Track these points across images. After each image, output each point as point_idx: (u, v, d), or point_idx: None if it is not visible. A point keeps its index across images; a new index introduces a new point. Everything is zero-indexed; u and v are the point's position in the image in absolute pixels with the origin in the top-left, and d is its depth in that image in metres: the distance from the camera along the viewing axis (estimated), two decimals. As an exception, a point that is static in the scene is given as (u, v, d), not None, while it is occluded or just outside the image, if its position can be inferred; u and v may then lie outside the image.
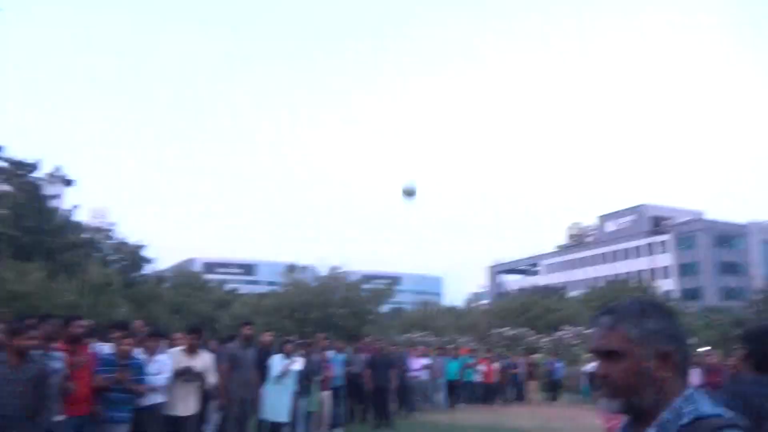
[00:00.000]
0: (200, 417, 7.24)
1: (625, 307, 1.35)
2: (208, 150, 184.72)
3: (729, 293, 60.90)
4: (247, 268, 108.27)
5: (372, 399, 11.96)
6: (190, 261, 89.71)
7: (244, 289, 61.65)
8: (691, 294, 60.37)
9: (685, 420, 1.20)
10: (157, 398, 6.26)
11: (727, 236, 67.66)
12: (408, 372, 13.93)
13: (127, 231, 36.76)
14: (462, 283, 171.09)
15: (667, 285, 62.35)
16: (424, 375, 14.83)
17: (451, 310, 46.56)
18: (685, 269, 66.94)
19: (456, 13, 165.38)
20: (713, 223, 67.94)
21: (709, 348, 19.64)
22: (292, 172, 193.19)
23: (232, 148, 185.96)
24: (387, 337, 26.05)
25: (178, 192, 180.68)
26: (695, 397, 1.25)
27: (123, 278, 33.02)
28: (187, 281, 39.64)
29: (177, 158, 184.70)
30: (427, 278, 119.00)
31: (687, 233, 67.91)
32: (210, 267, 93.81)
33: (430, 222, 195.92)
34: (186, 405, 6.51)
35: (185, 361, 6.65)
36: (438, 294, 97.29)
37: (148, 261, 41.69)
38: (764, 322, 2.80)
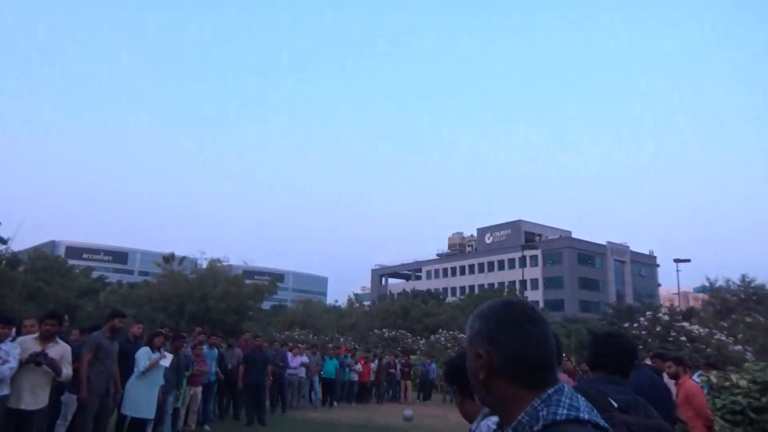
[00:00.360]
0: (52, 411, 6.55)
1: (476, 309, 1.36)
2: (77, 125, 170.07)
3: (586, 306, 67.03)
4: (119, 256, 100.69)
5: (246, 396, 11.60)
6: (51, 244, 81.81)
7: (114, 277, 57.35)
8: (554, 305, 65.62)
9: (539, 425, 1.15)
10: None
11: (588, 255, 74.39)
12: (286, 369, 13.70)
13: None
14: (346, 284, 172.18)
15: (534, 296, 67.31)
16: (301, 372, 14.68)
17: (334, 310, 46.63)
18: (551, 282, 72.64)
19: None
20: (578, 242, 74.46)
21: (563, 354, 21.53)
22: (174, 161, 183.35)
23: (108, 124, 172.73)
24: (267, 334, 25.52)
25: (42, 168, 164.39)
26: (555, 399, 1.18)
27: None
28: (47, 265, 35.95)
29: (41, 130, 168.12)
30: (312, 277, 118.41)
31: (555, 250, 73.74)
32: (75, 252, 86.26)
33: (319, 223, 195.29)
34: (34, 398, 5.84)
35: (37, 349, 5.96)
36: (322, 293, 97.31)
37: None
38: (600, 331, 3.21)
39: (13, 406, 5.68)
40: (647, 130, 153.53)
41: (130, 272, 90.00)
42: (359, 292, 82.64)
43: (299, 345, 16.89)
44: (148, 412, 7.81)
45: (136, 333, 8.52)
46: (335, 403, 16.00)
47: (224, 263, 35.16)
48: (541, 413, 1.16)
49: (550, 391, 1.19)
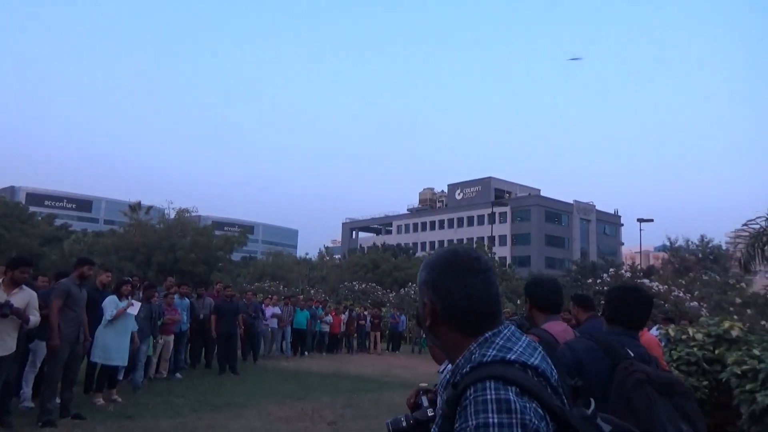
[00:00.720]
0: (21, 358, 6.45)
1: (426, 258, 1.42)
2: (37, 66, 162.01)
3: (552, 263, 68.80)
4: (83, 204, 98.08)
5: (218, 345, 11.67)
6: (10, 190, 79.14)
7: (78, 226, 56.10)
8: (521, 261, 67.13)
9: (468, 367, 1.19)
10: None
11: (555, 213, 75.82)
12: (259, 319, 13.83)
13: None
14: (317, 237, 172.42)
15: (502, 252, 68.66)
16: (273, 323, 14.84)
17: (304, 262, 46.77)
18: (519, 239, 74.06)
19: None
20: (546, 200, 75.67)
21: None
22: (142, 109, 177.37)
23: (71, 65, 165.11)
24: (237, 285, 25.51)
25: None
26: (489, 342, 1.22)
27: None
28: (7, 212, 34.85)
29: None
30: (282, 230, 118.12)
31: (523, 207, 74.86)
32: (36, 199, 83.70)
33: (290, 176, 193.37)
34: (1, 344, 5.74)
35: (2, 297, 5.83)
36: (293, 246, 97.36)
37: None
38: (618, 285, 3.14)
39: (-20, 352, 5.58)
40: (616, 90, 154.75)
41: (95, 221, 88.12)
42: (330, 245, 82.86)
43: (271, 296, 16.98)
44: (120, 360, 7.80)
45: (104, 281, 8.38)
46: (306, 353, 16.26)
47: (193, 214, 34.70)
48: (473, 356, 1.21)
49: (487, 335, 1.24)
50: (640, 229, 38.16)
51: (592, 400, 1.26)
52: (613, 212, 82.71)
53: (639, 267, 32.91)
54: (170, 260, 29.24)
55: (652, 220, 38.13)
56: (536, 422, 1.07)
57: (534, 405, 1.09)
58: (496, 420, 1.05)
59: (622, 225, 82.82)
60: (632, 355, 2.14)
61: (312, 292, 29.65)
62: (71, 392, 6.92)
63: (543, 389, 1.13)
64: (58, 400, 6.75)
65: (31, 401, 7.17)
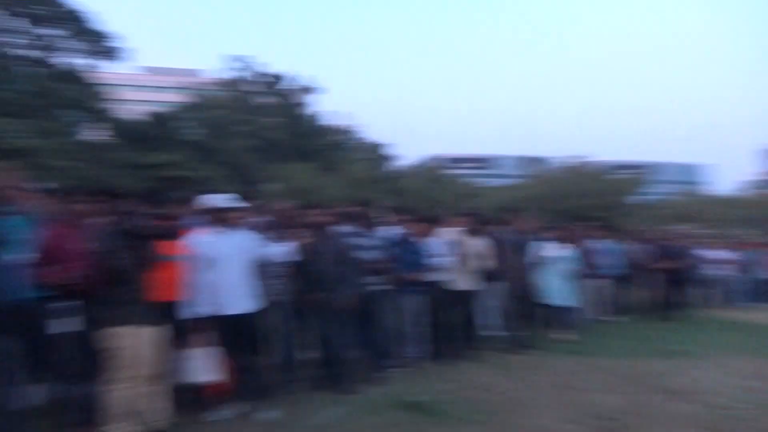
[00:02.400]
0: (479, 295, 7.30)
1: None
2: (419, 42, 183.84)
3: None
4: (481, 162, 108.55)
5: (665, 291, 11.00)
6: (433, 157, 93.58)
7: (480, 183, 62.18)
8: None
9: None
10: (439, 276, 6.54)
11: None
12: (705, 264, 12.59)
13: (374, 132, 40.10)
14: (727, 172, 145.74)
15: None
16: (726, 270, 13.23)
17: (723, 200, 40.43)
18: None
19: None
20: None
21: None
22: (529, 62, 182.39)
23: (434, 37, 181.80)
24: (650, 228, 23.93)
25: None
26: None
27: (375, 174, 36.22)
28: (430, 175, 41.25)
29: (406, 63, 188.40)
30: (686, 167, 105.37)
31: None
32: (447, 162, 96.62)
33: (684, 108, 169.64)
34: (467, 281, 6.80)
35: (468, 242, 6.90)
36: (697, 183, 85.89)
37: (392, 158, 44.76)
38: None
39: (452, 287, 6.68)
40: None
41: (493, 176, 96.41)
42: (751, 177, 69.13)
43: (717, 239, 15.26)
44: (561, 300, 8.19)
45: (524, 227, 8.63)
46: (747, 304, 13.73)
47: (590, 159, 35.11)
48: None
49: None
50: None
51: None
52: None
53: None
54: (573, 208, 29.65)
55: None
56: None
57: None
58: None
59: None
60: None
61: (745, 233, 25.24)
62: (529, 328, 7.72)
63: None
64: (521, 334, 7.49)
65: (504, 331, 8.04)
